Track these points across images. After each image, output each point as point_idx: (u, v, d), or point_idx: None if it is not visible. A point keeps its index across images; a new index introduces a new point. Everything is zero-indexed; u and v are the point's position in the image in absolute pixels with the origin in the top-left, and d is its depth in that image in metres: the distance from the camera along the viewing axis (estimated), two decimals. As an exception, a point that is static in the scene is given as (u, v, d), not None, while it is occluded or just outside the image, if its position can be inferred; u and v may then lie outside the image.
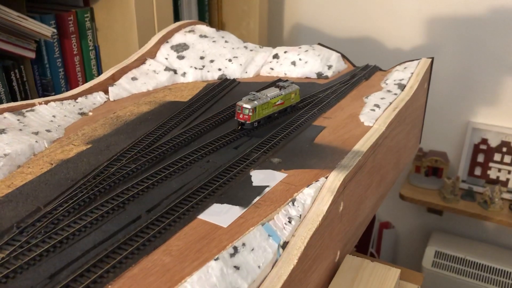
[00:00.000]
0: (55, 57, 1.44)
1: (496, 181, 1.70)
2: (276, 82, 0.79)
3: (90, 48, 1.51)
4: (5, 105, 0.74)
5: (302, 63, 1.01)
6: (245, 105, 0.72)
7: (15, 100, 1.26)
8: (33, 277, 0.43)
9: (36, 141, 0.67)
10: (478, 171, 1.74)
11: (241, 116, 0.72)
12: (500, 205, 1.62)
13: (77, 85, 1.50)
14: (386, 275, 0.63)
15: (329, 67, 1.02)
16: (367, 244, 1.85)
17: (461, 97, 1.66)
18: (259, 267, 0.48)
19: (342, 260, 0.67)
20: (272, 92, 0.76)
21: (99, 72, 1.58)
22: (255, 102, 0.72)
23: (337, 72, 1.03)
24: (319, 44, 1.10)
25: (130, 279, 0.43)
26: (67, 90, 1.34)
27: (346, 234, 0.67)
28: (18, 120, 0.72)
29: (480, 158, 1.72)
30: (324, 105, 0.83)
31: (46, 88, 1.46)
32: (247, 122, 0.72)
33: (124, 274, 0.44)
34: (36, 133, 0.70)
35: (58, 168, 0.62)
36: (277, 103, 0.76)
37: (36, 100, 0.78)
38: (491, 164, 1.70)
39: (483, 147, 1.70)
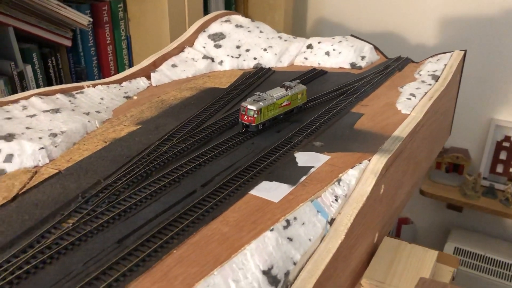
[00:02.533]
0: (89, 46, 1.48)
1: (518, 179, 1.70)
2: (283, 83, 0.76)
3: (123, 38, 1.55)
4: (57, 87, 0.78)
5: (336, 54, 1.04)
6: (250, 106, 0.68)
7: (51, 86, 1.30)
8: (102, 241, 0.46)
9: (89, 121, 0.70)
10: (500, 169, 1.74)
11: (245, 117, 0.68)
12: (522, 203, 1.62)
13: (110, 74, 1.54)
14: (424, 257, 0.65)
15: (363, 58, 1.04)
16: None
17: (485, 94, 1.66)
18: (309, 240, 0.51)
19: (379, 242, 0.69)
20: (278, 92, 0.72)
21: (130, 62, 1.62)
22: (261, 103, 0.68)
23: (370, 63, 1.05)
24: (352, 35, 1.12)
25: (193, 245, 0.46)
26: (99, 79, 1.38)
27: (384, 217, 0.69)
28: (70, 101, 0.76)
29: (503, 155, 1.72)
30: (361, 94, 0.85)
31: (80, 76, 1.50)
32: (252, 124, 0.68)
33: (186, 241, 0.47)
34: (87, 114, 0.73)
35: (112, 146, 0.65)
36: (283, 104, 0.72)
37: (84, 83, 0.82)
38: (514, 162, 1.70)
39: (506, 144, 1.70)
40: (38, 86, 1.30)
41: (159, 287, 0.41)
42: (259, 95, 0.70)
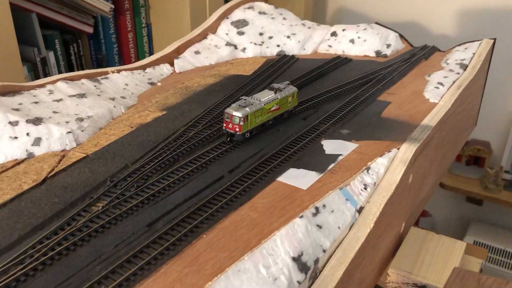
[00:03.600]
0: (110, 33, 1.48)
1: (542, 173, 1.67)
2: (271, 84, 0.69)
3: (143, 25, 1.55)
4: (82, 72, 0.78)
5: (360, 41, 1.02)
6: (235, 113, 0.60)
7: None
8: (132, 224, 0.46)
9: (114, 106, 0.70)
10: (523, 162, 1.70)
11: (230, 126, 0.61)
12: (546, 196, 1.59)
13: (130, 61, 1.54)
14: (452, 248, 0.64)
15: (388, 46, 1.02)
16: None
17: (508, 85, 1.62)
18: (339, 227, 0.50)
19: (406, 232, 0.68)
20: (266, 96, 0.65)
21: (150, 49, 1.62)
22: (247, 109, 0.61)
23: (395, 51, 1.03)
24: (376, 23, 1.10)
25: (223, 230, 0.46)
26: (120, 65, 1.39)
27: (411, 207, 0.68)
28: (95, 86, 0.76)
29: (526, 149, 1.68)
30: (387, 82, 0.84)
31: (101, 63, 1.50)
32: (238, 133, 0.61)
33: (216, 225, 0.47)
34: (113, 99, 0.73)
35: (138, 131, 0.65)
36: (272, 109, 0.65)
37: (109, 69, 0.82)
38: (537, 155, 1.66)
39: (529, 137, 1.67)
40: (60, 73, 1.30)
41: (191, 271, 0.41)
42: (245, 99, 0.64)
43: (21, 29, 1.10)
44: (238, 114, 0.60)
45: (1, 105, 0.63)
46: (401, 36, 1.08)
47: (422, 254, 0.63)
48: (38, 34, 1.24)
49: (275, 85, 0.68)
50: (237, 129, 0.61)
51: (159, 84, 0.84)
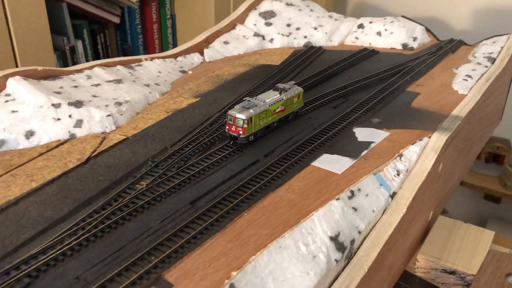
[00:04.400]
0: (136, 23, 1.50)
1: None
2: (276, 85, 0.66)
3: (168, 16, 1.57)
4: (117, 59, 0.80)
5: (387, 34, 1.03)
6: (238, 115, 0.58)
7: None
8: (176, 202, 0.48)
9: (150, 92, 0.72)
10: (543, 160, 1.69)
11: (233, 128, 0.58)
12: None
13: (154, 52, 1.57)
14: (480, 237, 0.65)
15: (414, 39, 1.03)
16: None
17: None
18: (373, 211, 0.51)
19: (433, 221, 0.69)
20: (271, 97, 0.62)
21: (174, 40, 1.64)
22: (251, 110, 0.59)
23: (422, 45, 1.03)
24: (403, 16, 1.10)
25: (262, 209, 0.48)
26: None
27: (439, 196, 0.69)
28: (130, 73, 0.78)
29: (547, 147, 1.67)
30: (415, 74, 0.85)
31: (126, 53, 1.53)
32: (241, 136, 0.58)
33: (256, 205, 0.48)
34: (148, 85, 0.75)
35: (174, 116, 0.67)
36: (277, 110, 0.63)
37: (142, 56, 0.84)
38: (559, 153, 1.65)
39: (550, 136, 1.65)
40: (87, 62, 1.33)
41: (234, 246, 0.42)
42: (249, 100, 0.61)
43: (52, 19, 1.12)
44: (241, 116, 0.58)
45: (43, 88, 0.66)
46: (427, 30, 1.09)
47: (450, 242, 0.64)
48: (67, 24, 1.27)
49: (280, 86, 0.65)
50: (241, 132, 0.58)
51: (190, 72, 0.86)
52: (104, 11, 1.38)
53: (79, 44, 1.34)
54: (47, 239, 0.42)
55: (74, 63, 1.30)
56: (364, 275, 0.46)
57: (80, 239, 0.42)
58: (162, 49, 1.59)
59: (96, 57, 1.40)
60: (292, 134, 0.63)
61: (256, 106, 0.60)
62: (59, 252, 0.40)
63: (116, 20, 1.41)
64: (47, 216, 0.45)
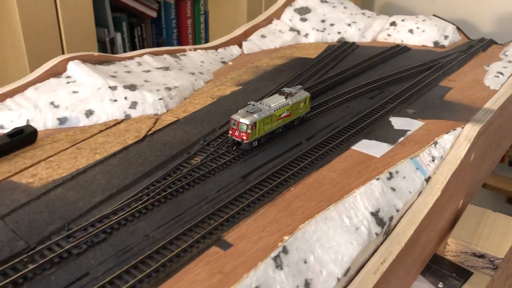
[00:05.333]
0: (171, 18, 1.56)
1: None
2: (281, 89, 0.64)
3: (201, 12, 1.62)
4: (163, 48, 0.85)
5: (419, 32, 1.05)
6: (242, 120, 0.56)
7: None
8: (228, 175, 0.53)
9: (195, 80, 0.77)
10: None
11: (236, 133, 0.57)
12: None
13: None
14: (509, 225, 0.68)
15: (446, 37, 1.05)
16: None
17: None
18: (410, 192, 0.55)
19: (463, 209, 0.72)
20: (276, 101, 0.60)
21: (206, 35, 1.69)
22: (255, 115, 0.57)
23: (453, 43, 1.06)
24: (434, 15, 1.13)
25: (307, 185, 0.52)
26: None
27: (469, 185, 0.72)
28: (176, 61, 0.83)
29: None
30: (447, 70, 0.88)
31: (160, 46, 1.58)
32: (245, 141, 0.56)
33: (301, 181, 0.52)
34: (193, 74, 0.80)
35: (219, 102, 0.72)
36: (282, 116, 0.61)
37: (186, 47, 0.89)
38: None
39: None
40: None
41: (284, 215, 0.47)
42: (254, 105, 0.59)
43: (94, 11, 1.18)
44: (245, 121, 0.56)
45: (100, 72, 0.71)
46: (458, 29, 1.11)
47: (480, 228, 0.67)
48: (109, 16, 1.33)
49: (286, 90, 0.63)
50: (244, 137, 0.56)
51: (230, 63, 0.90)
52: (142, 5, 1.43)
53: (118, 36, 1.39)
54: (116, 203, 0.47)
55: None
56: (401, 250, 0.49)
57: (146, 203, 0.46)
58: (194, 44, 1.64)
59: (133, 49, 1.45)
60: (331, 121, 0.67)
61: (260, 111, 0.58)
62: (128, 213, 0.45)
63: (153, 14, 1.47)
64: (113, 183, 0.50)
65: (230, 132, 0.57)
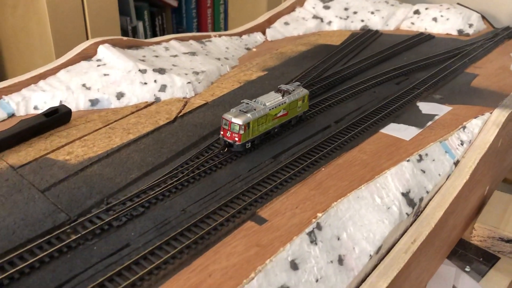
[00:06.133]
0: (191, 8, 1.56)
1: None
2: (279, 86, 0.59)
3: (221, 2, 1.62)
4: (189, 34, 0.86)
5: (443, 20, 1.05)
6: (234, 120, 0.51)
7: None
8: (260, 155, 0.53)
9: (221, 65, 0.78)
10: None
11: (228, 134, 0.52)
12: None
13: (207, 36, 1.62)
14: (535, 211, 0.68)
15: (470, 25, 1.04)
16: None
17: None
18: (439, 175, 0.55)
19: (489, 195, 0.72)
20: (272, 100, 0.56)
21: (226, 25, 1.69)
22: (249, 115, 0.52)
23: (477, 31, 1.05)
24: (458, 3, 1.12)
25: (338, 166, 0.52)
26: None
27: (496, 171, 0.72)
28: (201, 47, 0.84)
29: None
30: (473, 57, 0.87)
31: (180, 36, 1.59)
32: (237, 143, 0.52)
33: (331, 162, 0.53)
34: (218, 59, 0.80)
35: (246, 86, 0.72)
36: (278, 115, 0.56)
37: (211, 33, 0.89)
38: None
39: None
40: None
41: (317, 193, 0.47)
42: (248, 103, 0.54)
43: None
44: (238, 121, 0.51)
45: (129, 56, 0.72)
46: (483, 17, 1.10)
47: (507, 214, 0.66)
48: (131, 5, 1.34)
49: (283, 87, 0.58)
50: (236, 139, 0.51)
51: (254, 49, 0.91)
52: (164, -6, 1.44)
53: (140, 25, 1.41)
54: (152, 179, 0.48)
55: (135, 43, 1.37)
56: (430, 231, 0.50)
57: (181, 180, 0.47)
58: (214, 33, 1.64)
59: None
60: (359, 105, 0.67)
61: (254, 110, 0.53)
62: (165, 189, 0.46)
63: (174, 3, 1.48)
64: (148, 161, 0.51)
65: (222, 132, 0.52)
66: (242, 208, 0.44)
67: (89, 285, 0.35)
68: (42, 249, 0.38)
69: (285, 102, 0.57)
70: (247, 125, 0.52)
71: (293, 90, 0.58)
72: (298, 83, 0.61)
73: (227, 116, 0.52)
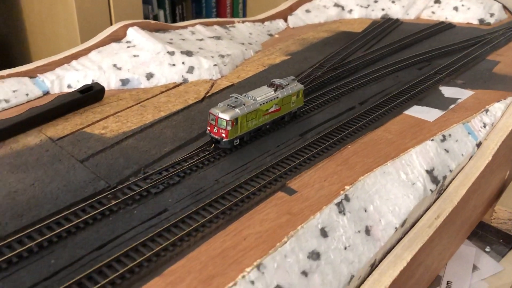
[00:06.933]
0: (211, -2, 1.58)
1: None
2: (272, 80, 0.56)
3: (241, -8, 1.64)
4: (213, 19, 0.88)
5: (464, 9, 1.05)
6: (221, 115, 0.48)
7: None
8: (287, 133, 0.55)
9: (246, 49, 0.79)
10: None
11: (215, 130, 0.49)
12: None
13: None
14: (556, 195, 0.68)
15: (491, 15, 1.05)
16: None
17: None
18: (462, 155, 0.56)
19: (509, 180, 0.73)
20: (264, 94, 0.53)
21: (244, 15, 1.71)
22: (237, 110, 0.49)
23: (498, 21, 1.05)
24: (479, -7, 1.12)
25: (364, 144, 0.54)
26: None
27: (516, 157, 0.72)
28: (226, 32, 0.86)
29: None
30: (494, 45, 0.88)
31: (200, 26, 1.60)
32: (224, 139, 0.49)
33: (357, 140, 0.54)
34: (242, 44, 0.82)
35: (270, 69, 0.74)
36: (270, 111, 0.53)
37: (235, 19, 0.91)
38: None
39: None
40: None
41: (344, 168, 0.49)
42: (237, 98, 0.51)
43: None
44: (225, 116, 0.48)
45: (157, 38, 0.74)
46: (505, 7, 1.10)
47: (527, 198, 0.67)
48: (153, -7, 1.36)
49: (277, 81, 0.55)
50: (223, 135, 0.49)
51: (276, 36, 0.92)
52: (184, -17, 1.46)
53: (161, 13, 1.43)
54: (185, 152, 0.50)
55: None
56: (453, 208, 0.51)
57: (213, 153, 0.49)
58: (232, 23, 1.65)
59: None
60: (382, 88, 0.69)
61: (244, 105, 0.50)
62: (198, 161, 0.48)
63: (195, -8, 1.50)
64: (180, 136, 0.53)
65: (208, 128, 0.50)
66: (272, 180, 0.45)
67: (131, 245, 0.37)
68: (85, 212, 0.40)
69: (277, 97, 0.54)
70: (235, 121, 0.49)
71: (287, 84, 0.55)
72: (293, 77, 0.58)
73: (214, 110, 0.49)
